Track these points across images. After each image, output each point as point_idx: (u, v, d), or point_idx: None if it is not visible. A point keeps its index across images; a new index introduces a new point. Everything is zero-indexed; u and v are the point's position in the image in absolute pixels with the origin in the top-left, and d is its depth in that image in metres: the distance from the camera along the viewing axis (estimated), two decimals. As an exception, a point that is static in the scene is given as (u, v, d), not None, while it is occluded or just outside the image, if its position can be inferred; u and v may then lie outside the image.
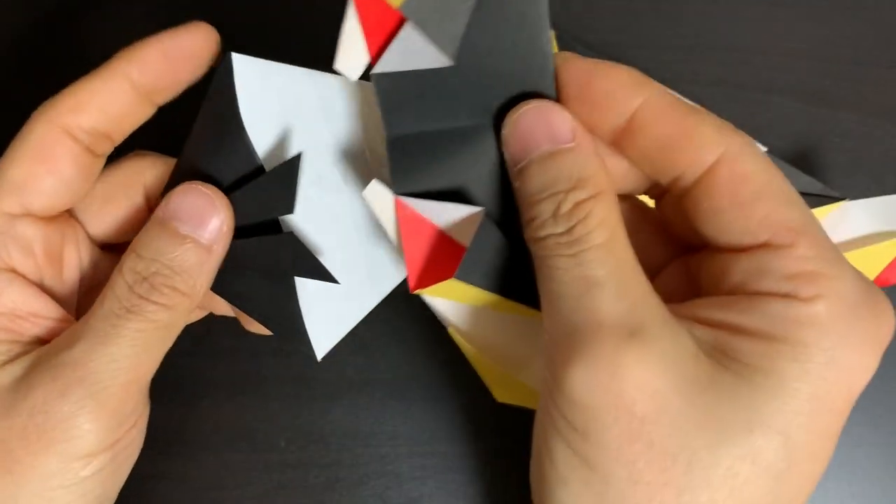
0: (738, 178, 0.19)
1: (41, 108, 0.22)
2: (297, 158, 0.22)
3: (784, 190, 0.19)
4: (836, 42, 0.37)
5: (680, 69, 0.36)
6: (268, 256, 0.23)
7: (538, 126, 0.20)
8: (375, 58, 0.20)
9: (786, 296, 0.18)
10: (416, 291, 0.22)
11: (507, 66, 0.20)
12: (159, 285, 0.21)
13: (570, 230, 0.19)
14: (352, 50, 0.20)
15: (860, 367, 0.18)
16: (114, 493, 0.22)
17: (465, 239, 0.22)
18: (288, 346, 0.32)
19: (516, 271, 0.22)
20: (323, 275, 0.23)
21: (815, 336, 0.18)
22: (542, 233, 0.19)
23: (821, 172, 0.35)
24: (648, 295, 0.19)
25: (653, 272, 0.22)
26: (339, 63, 0.20)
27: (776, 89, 0.36)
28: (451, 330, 0.24)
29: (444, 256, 0.22)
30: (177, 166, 0.23)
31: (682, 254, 0.22)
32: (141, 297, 0.20)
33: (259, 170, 0.23)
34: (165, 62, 0.22)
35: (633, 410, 0.17)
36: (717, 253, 0.20)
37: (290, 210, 0.22)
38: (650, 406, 0.17)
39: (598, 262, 0.18)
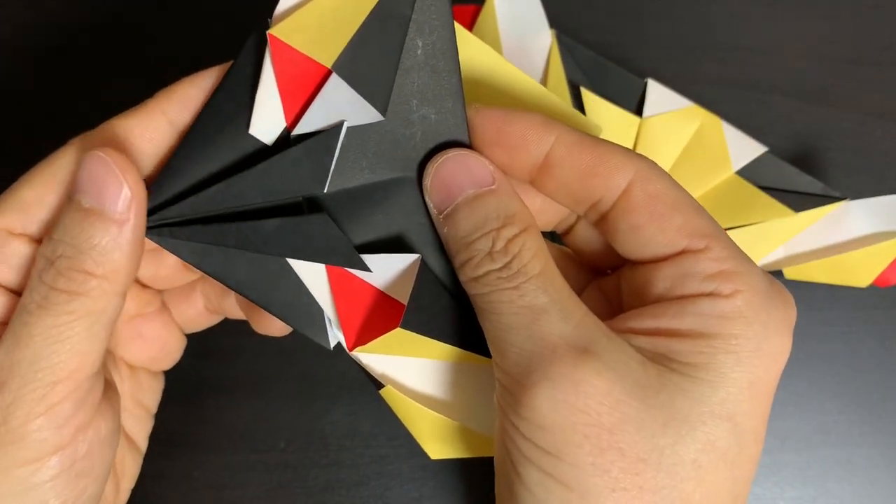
0: (652, 195, 0.20)
1: (74, 140, 0.21)
2: (339, 128, 0.21)
3: (692, 202, 0.21)
4: (836, 42, 0.37)
5: (680, 69, 0.36)
6: (291, 240, 0.21)
7: (459, 172, 0.21)
8: (294, 119, 0.21)
9: (710, 294, 0.20)
10: (355, 351, 0.22)
11: (424, 115, 0.21)
12: (65, 269, 0.19)
13: (507, 265, 0.20)
14: (267, 113, 0.21)
15: (781, 350, 0.20)
16: (83, 500, 0.20)
17: (399, 292, 0.22)
18: (288, 347, 0.32)
19: (457, 316, 0.22)
20: (356, 263, 0.22)
21: (741, 327, 0.19)
22: (481, 270, 0.20)
23: (821, 172, 0.35)
24: (588, 314, 0.20)
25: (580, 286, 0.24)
26: (254, 127, 0.21)
27: (776, 89, 0.36)
28: (383, 391, 0.23)
29: (379, 311, 0.22)
30: (174, 154, 0.22)
31: (592, 279, 0.24)
32: (50, 287, 0.19)
33: (263, 149, 0.21)
34: (202, 100, 0.21)
35: (601, 422, 0.18)
36: (638, 268, 0.21)
37: (321, 188, 0.21)
38: (615, 415, 0.18)
39: (539, 291, 0.20)
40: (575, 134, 0.21)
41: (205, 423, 0.32)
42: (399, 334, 0.22)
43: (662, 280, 0.20)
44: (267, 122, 0.21)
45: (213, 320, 0.28)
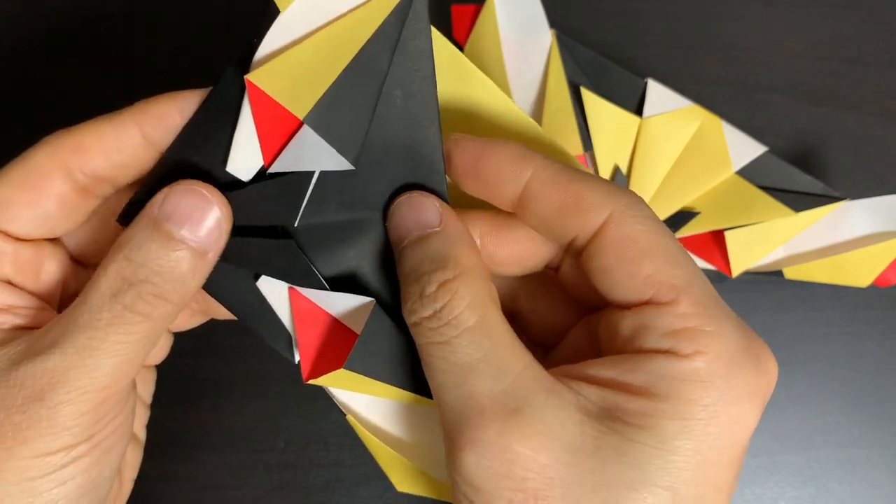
0: (625, 237, 0.19)
1: (48, 138, 0.21)
2: (312, 173, 0.22)
3: (669, 248, 0.19)
4: (836, 42, 0.37)
5: (680, 69, 0.36)
6: (262, 259, 0.23)
7: (409, 214, 0.21)
8: (270, 159, 0.21)
9: (667, 352, 0.19)
10: (310, 381, 0.22)
11: (399, 162, 0.21)
12: (146, 294, 0.20)
13: (437, 314, 0.19)
14: (245, 152, 0.21)
15: (742, 421, 0.19)
16: (103, 475, 0.21)
17: (360, 327, 0.22)
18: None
19: (408, 360, 0.22)
20: (316, 283, 0.22)
21: (695, 392, 0.18)
22: (413, 317, 0.20)
23: (821, 172, 0.35)
24: (528, 368, 0.19)
25: (562, 332, 0.23)
26: (232, 165, 0.21)
27: (776, 89, 0.36)
28: (348, 418, 0.24)
29: (337, 345, 0.23)
30: (161, 159, 0.22)
31: (585, 314, 0.23)
32: (125, 307, 0.19)
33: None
34: (180, 119, 0.21)
35: (525, 488, 0.18)
36: (612, 311, 0.21)
37: (291, 221, 0.22)
38: (540, 481, 0.18)
39: (472, 347, 0.19)
40: (551, 168, 0.20)
41: (205, 423, 0.32)
42: (347, 373, 0.22)
43: (625, 329, 0.20)
44: (244, 160, 0.21)
45: (200, 320, 0.28)
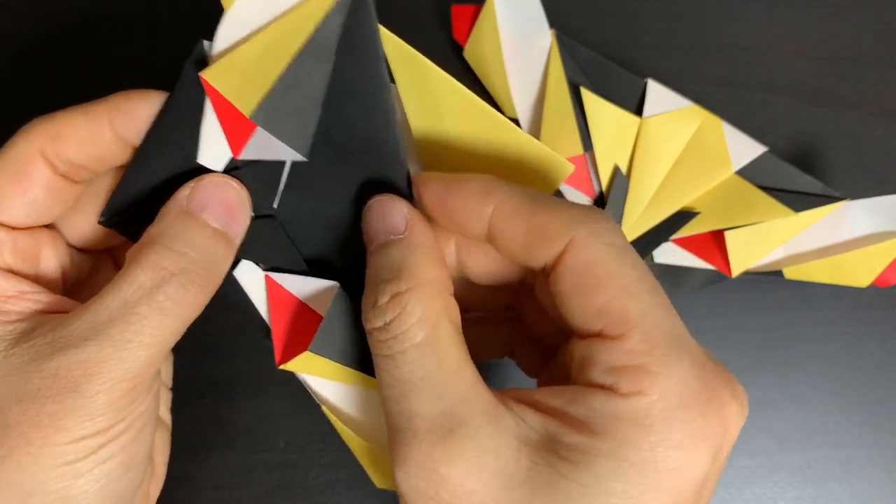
0: (582, 264, 0.19)
1: (25, 128, 0.22)
2: (284, 162, 0.22)
3: (628, 277, 0.18)
4: (836, 42, 0.37)
5: (680, 69, 0.36)
6: (245, 241, 0.23)
7: (377, 218, 0.21)
8: (238, 149, 0.21)
9: (608, 389, 0.18)
10: (282, 366, 0.23)
11: (361, 152, 0.22)
12: (189, 283, 0.20)
13: (386, 326, 0.19)
14: (214, 145, 0.21)
15: (688, 469, 0.17)
16: (140, 453, 0.21)
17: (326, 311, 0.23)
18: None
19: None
20: (294, 261, 0.23)
21: (633, 433, 0.17)
22: (367, 325, 0.20)
23: (821, 172, 0.35)
24: (472, 389, 0.19)
25: (552, 352, 0.23)
26: (202, 157, 0.21)
27: (776, 89, 0.36)
28: (324, 409, 0.23)
29: (307, 329, 0.23)
30: (135, 157, 0.23)
31: (568, 336, 0.23)
32: (168, 298, 0.20)
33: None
34: (150, 118, 0.21)
35: None
36: (573, 337, 0.20)
37: (270, 205, 0.22)
38: None
39: (415, 364, 0.19)
40: (513, 202, 0.20)
41: (205, 423, 0.32)
42: (316, 357, 0.22)
43: (577, 357, 0.19)
44: (214, 152, 0.22)
45: None
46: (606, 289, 0.18)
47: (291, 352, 0.23)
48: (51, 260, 0.23)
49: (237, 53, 0.20)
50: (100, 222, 0.23)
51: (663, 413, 0.17)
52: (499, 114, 0.22)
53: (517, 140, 0.22)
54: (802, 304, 0.34)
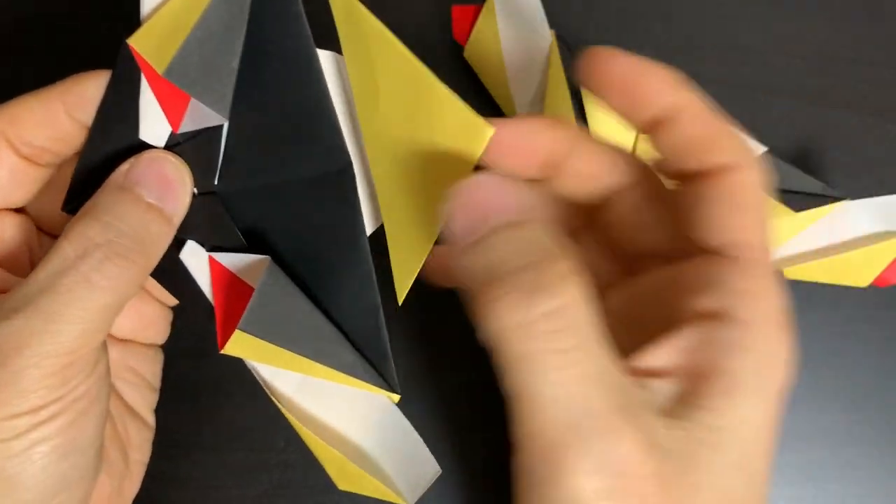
0: (746, 186, 0.20)
1: None
2: (220, 128, 0.21)
3: (768, 215, 0.20)
4: (836, 42, 0.37)
5: (680, 69, 0.36)
6: (188, 221, 0.22)
7: (490, 196, 0.18)
8: (177, 123, 0.21)
9: (729, 318, 0.19)
10: (224, 351, 0.21)
11: (293, 118, 0.21)
12: (113, 255, 0.20)
13: (546, 316, 0.17)
14: (153, 120, 0.21)
15: (782, 380, 0.19)
16: (82, 437, 0.21)
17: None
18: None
19: (310, 324, 0.21)
20: (234, 240, 0.22)
21: (761, 364, 0.18)
22: (518, 317, 0.17)
23: (821, 172, 0.35)
24: (623, 372, 0.18)
25: (601, 290, 0.22)
26: (144, 134, 0.21)
27: (776, 89, 0.36)
28: (275, 402, 0.22)
29: (242, 309, 0.22)
30: (87, 139, 0.22)
31: (625, 274, 0.23)
32: (92, 268, 0.19)
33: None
34: (100, 97, 0.21)
35: (642, 493, 0.17)
36: (674, 260, 0.21)
37: (212, 182, 0.22)
38: (649, 486, 0.17)
39: (589, 359, 0.18)
40: (702, 104, 0.21)
41: (204, 423, 0.32)
42: (256, 341, 0.21)
43: (684, 278, 0.20)
44: (154, 127, 0.21)
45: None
46: (757, 213, 0.20)
47: (229, 333, 0.21)
48: (14, 241, 0.23)
49: (158, 15, 0.20)
50: (64, 210, 0.22)
51: (778, 338, 0.19)
52: (422, 66, 0.20)
53: (438, 96, 0.20)
54: (802, 304, 0.34)
